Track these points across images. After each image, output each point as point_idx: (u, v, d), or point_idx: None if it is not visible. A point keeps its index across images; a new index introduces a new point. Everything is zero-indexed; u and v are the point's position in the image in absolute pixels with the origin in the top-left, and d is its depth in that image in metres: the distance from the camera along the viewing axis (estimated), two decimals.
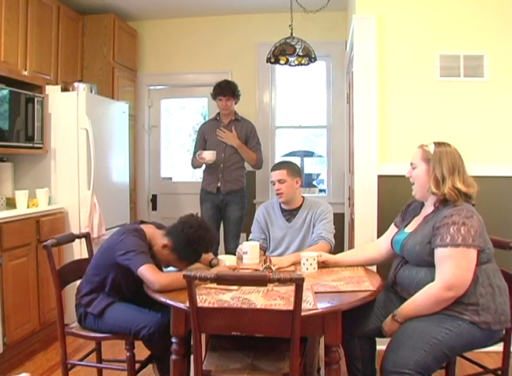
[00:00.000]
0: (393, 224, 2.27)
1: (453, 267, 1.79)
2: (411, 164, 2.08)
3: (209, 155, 3.75)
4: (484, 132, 2.97)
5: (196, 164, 3.99)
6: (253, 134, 3.97)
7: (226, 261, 2.22)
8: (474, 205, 1.96)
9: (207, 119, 4.73)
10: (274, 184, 2.66)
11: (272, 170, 2.74)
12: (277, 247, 2.69)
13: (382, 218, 2.86)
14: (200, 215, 3.89)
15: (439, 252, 1.84)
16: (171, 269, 2.25)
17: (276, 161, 4.52)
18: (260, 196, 4.58)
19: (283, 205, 2.72)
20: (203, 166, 3.95)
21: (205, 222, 2.20)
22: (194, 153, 3.97)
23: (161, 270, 2.13)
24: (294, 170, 2.70)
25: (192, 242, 2.08)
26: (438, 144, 2.01)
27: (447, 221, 1.85)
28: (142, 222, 2.29)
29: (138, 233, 2.11)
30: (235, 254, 2.50)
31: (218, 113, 4.00)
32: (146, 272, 1.95)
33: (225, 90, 3.86)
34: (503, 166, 2.95)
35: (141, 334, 2.04)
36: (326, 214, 2.64)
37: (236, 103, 3.95)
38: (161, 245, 2.14)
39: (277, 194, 2.65)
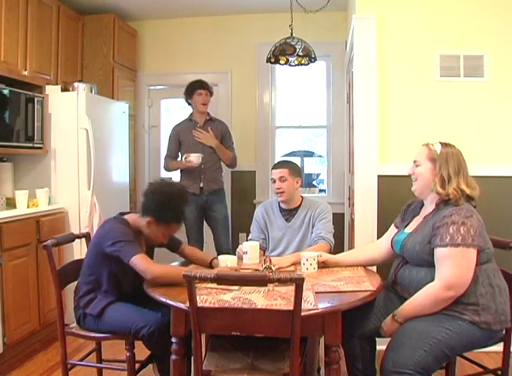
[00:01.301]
0: (393, 225, 2.27)
1: (453, 267, 1.79)
2: (414, 161, 2.07)
3: (196, 158, 3.70)
4: (485, 132, 2.97)
5: (173, 168, 3.93)
6: (228, 134, 3.97)
7: (228, 261, 2.22)
8: (475, 207, 1.96)
9: None
10: (274, 182, 2.65)
11: (273, 168, 2.73)
12: (276, 246, 2.68)
13: (382, 218, 2.86)
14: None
15: (439, 252, 1.84)
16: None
17: (276, 161, 4.53)
18: (260, 196, 4.59)
19: (281, 205, 2.71)
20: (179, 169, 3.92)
21: (164, 179, 2.26)
22: (167, 156, 3.94)
23: (151, 259, 2.19)
24: (295, 170, 2.70)
25: (166, 201, 2.12)
26: (444, 144, 2.02)
27: (446, 221, 1.85)
28: (122, 214, 2.31)
29: (120, 221, 2.15)
30: (233, 254, 2.50)
31: (191, 114, 3.95)
32: (138, 261, 2.00)
33: (205, 84, 3.87)
34: (504, 166, 2.95)
35: (140, 334, 2.04)
36: (325, 213, 2.63)
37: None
38: (146, 225, 2.16)
39: (277, 193, 2.65)
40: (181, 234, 3.94)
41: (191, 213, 3.86)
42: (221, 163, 3.95)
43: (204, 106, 3.87)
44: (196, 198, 3.84)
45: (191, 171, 3.80)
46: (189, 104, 3.96)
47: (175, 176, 4.09)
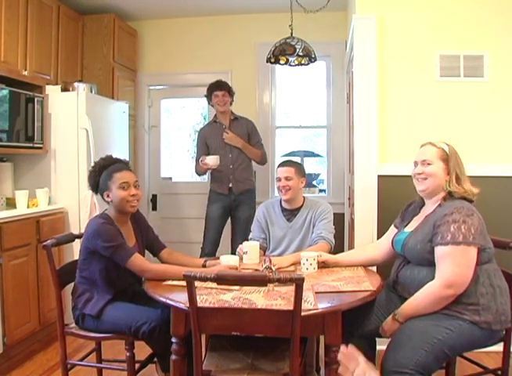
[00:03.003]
0: (392, 225, 2.27)
1: (453, 265, 1.80)
2: (424, 160, 2.03)
3: (213, 160, 3.66)
4: (485, 132, 2.97)
5: (200, 171, 3.91)
6: (254, 131, 3.94)
7: (230, 261, 2.21)
8: (472, 202, 1.97)
9: (207, 119, 4.73)
10: (279, 180, 2.65)
11: (279, 166, 2.73)
12: (277, 246, 2.68)
13: (382, 218, 2.86)
14: (206, 215, 3.88)
15: (440, 250, 1.84)
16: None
17: (276, 161, 4.53)
18: (260, 196, 4.56)
19: (284, 205, 2.71)
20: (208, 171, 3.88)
21: (96, 162, 2.32)
22: (197, 160, 3.89)
23: (143, 255, 2.23)
24: (301, 170, 2.70)
25: (92, 171, 2.25)
26: (447, 144, 2.04)
27: (447, 219, 1.85)
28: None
29: (104, 218, 2.17)
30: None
31: (215, 116, 3.94)
32: (134, 263, 2.08)
33: (221, 85, 3.84)
34: (503, 166, 2.95)
35: (141, 331, 2.03)
36: (326, 214, 2.63)
37: (231, 103, 3.90)
38: (110, 203, 2.21)
39: (282, 191, 2.63)
40: (199, 234, 3.91)
41: (215, 211, 3.85)
42: (252, 162, 3.92)
43: (223, 107, 3.83)
44: (224, 198, 3.83)
45: (219, 171, 3.78)
46: (212, 106, 3.95)
47: (207, 177, 4.03)
